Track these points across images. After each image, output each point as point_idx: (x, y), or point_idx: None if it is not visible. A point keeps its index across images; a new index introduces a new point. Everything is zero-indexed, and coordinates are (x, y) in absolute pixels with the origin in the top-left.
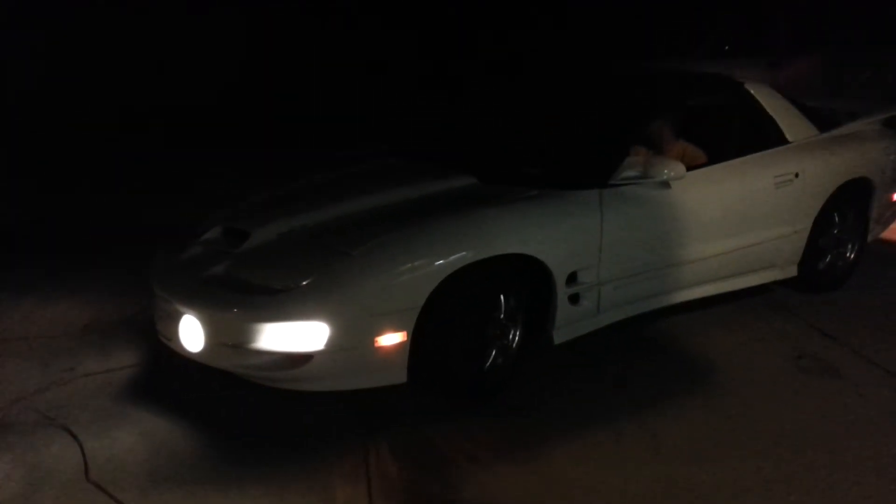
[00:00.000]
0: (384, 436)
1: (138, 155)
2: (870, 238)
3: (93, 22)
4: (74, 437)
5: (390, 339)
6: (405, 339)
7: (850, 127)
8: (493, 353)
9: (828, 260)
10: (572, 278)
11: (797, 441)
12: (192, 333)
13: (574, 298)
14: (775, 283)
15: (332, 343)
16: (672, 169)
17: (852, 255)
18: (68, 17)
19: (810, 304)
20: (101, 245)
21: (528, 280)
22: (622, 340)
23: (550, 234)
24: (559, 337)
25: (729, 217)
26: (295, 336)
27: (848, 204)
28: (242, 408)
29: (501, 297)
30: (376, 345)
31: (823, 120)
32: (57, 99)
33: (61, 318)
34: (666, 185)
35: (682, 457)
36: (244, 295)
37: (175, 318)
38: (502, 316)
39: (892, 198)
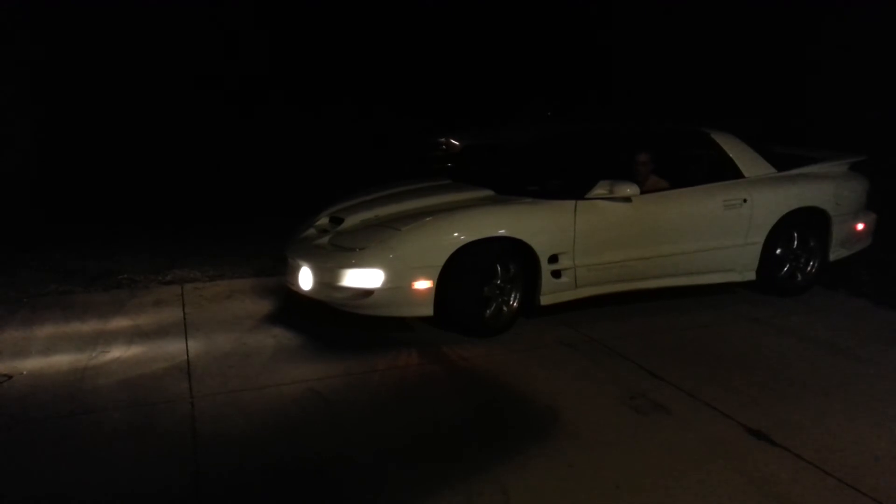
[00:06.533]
0: (417, 344)
1: None
2: (833, 257)
3: None
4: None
5: (422, 284)
6: (432, 285)
7: (812, 168)
8: (494, 305)
9: (787, 270)
10: (553, 259)
11: (637, 483)
12: (306, 278)
13: (556, 274)
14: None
15: (385, 283)
16: (630, 189)
17: (813, 269)
18: None
19: (635, 347)
20: None
21: (520, 256)
22: (466, 389)
23: (535, 226)
24: (545, 301)
25: (680, 227)
26: (363, 278)
27: (805, 227)
28: (341, 325)
29: (498, 266)
30: (413, 287)
31: (790, 162)
32: None
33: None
34: (627, 200)
35: None
36: (336, 253)
37: (297, 270)
38: (499, 281)
39: (854, 227)
